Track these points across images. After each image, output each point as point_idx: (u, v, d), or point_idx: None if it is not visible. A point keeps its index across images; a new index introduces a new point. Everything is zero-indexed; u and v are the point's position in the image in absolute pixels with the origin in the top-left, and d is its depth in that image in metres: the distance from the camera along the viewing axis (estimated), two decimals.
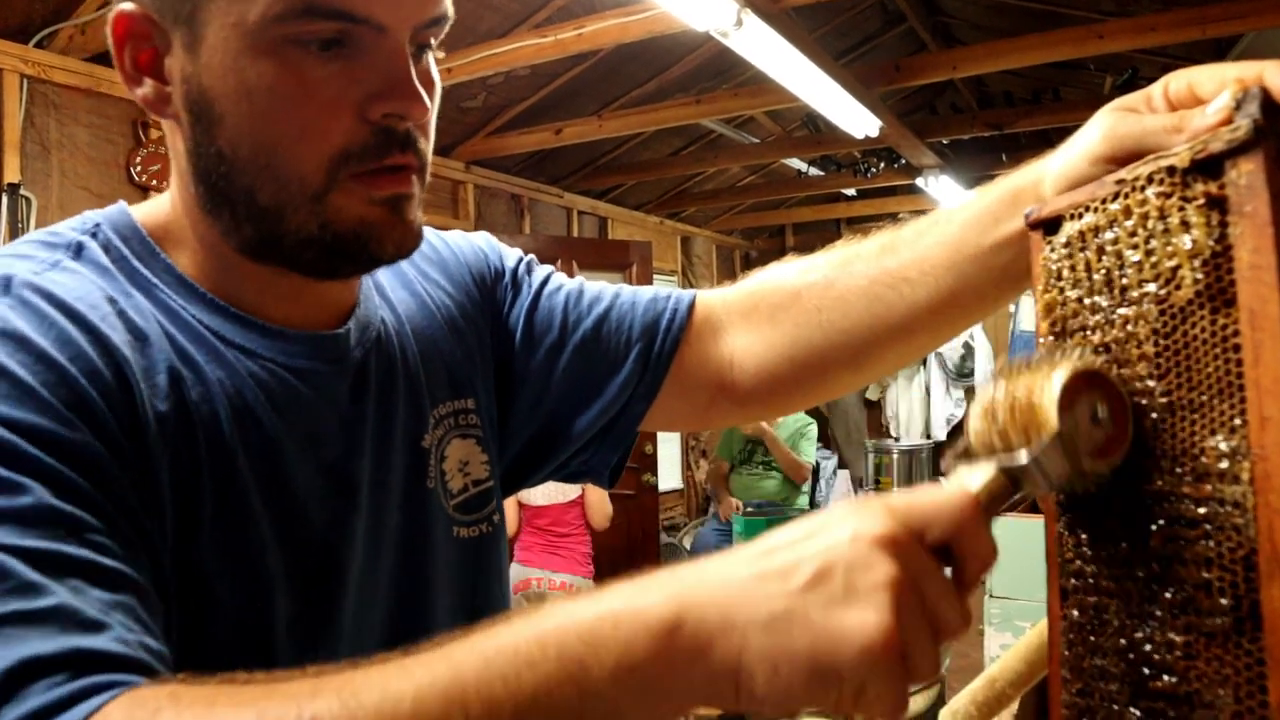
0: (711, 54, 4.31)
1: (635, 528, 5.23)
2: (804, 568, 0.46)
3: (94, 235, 0.68)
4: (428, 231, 0.91)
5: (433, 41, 0.69)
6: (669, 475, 6.38)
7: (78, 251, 0.66)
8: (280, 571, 0.67)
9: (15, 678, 0.44)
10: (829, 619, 0.45)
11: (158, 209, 0.72)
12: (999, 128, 4.94)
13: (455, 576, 0.82)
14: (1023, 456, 0.50)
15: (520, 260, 0.95)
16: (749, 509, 4.62)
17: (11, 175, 2.96)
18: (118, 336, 0.61)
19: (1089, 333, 0.56)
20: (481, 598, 0.84)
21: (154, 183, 3.36)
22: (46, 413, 0.54)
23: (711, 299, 0.93)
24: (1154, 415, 0.52)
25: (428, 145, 0.70)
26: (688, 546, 5.67)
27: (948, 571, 0.48)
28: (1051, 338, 0.59)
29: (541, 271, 0.95)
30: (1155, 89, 0.58)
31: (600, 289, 0.94)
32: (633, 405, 0.90)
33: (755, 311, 0.89)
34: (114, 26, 0.65)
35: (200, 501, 0.63)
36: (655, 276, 5.66)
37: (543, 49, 3.50)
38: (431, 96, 0.68)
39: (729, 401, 0.91)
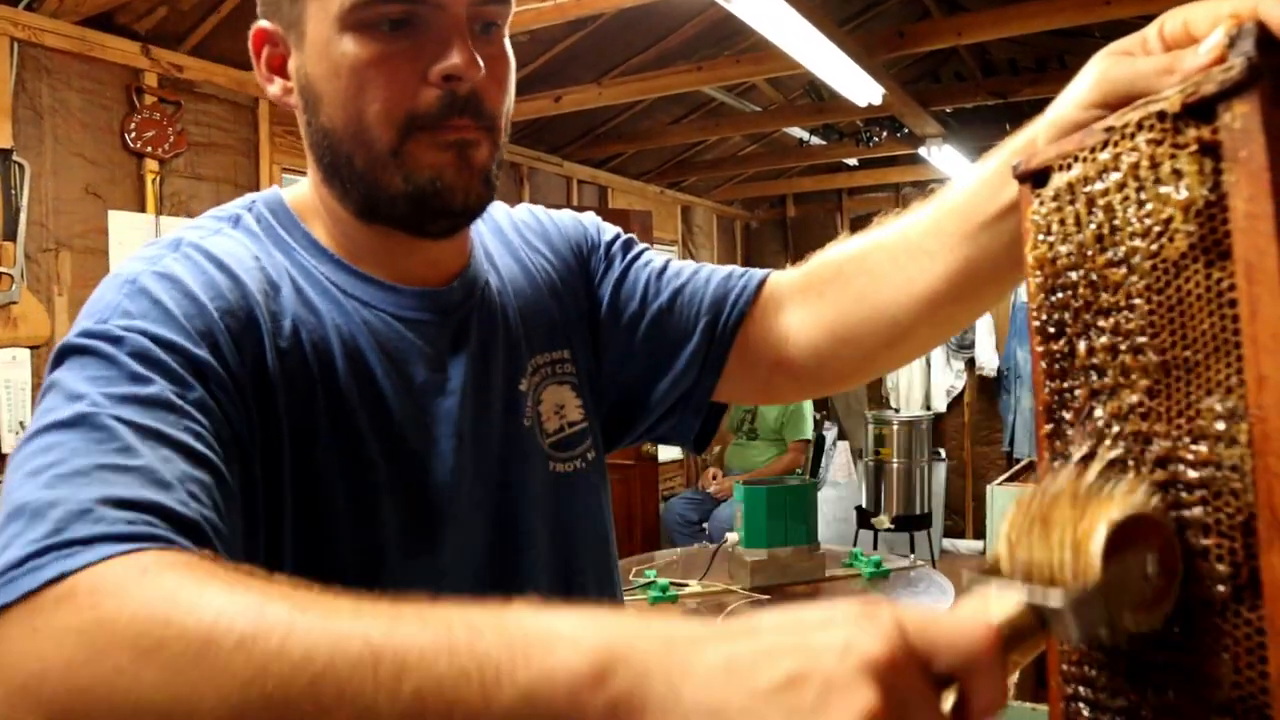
0: (713, 20, 4.26)
1: (635, 497, 5.26)
2: (778, 666, 0.40)
3: (249, 210, 0.84)
4: (535, 209, 1.06)
5: (499, 19, 0.79)
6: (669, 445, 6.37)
7: (235, 222, 0.83)
8: (385, 485, 0.78)
9: (99, 504, 0.54)
10: None
11: (301, 190, 0.87)
12: (1003, 96, 4.90)
13: (551, 507, 0.90)
14: (1057, 599, 0.44)
15: (617, 236, 1.04)
16: (731, 476, 4.65)
17: (4, 141, 2.93)
18: (255, 286, 0.76)
19: (1079, 289, 0.54)
20: (578, 527, 0.93)
21: (149, 149, 3.33)
22: (181, 333, 0.68)
23: (779, 277, 0.98)
24: (1149, 378, 0.50)
25: (496, 109, 0.79)
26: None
27: (949, 704, 0.42)
28: (1042, 295, 0.57)
29: (636, 246, 1.04)
30: (1150, 30, 0.56)
31: (682, 266, 1.01)
32: (704, 378, 0.97)
33: (809, 288, 0.94)
34: (253, 41, 0.82)
35: (315, 422, 0.76)
36: (655, 246, 5.63)
37: (542, 13, 3.45)
38: (499, 69, 0.79)
39: (785, 377, 0.97)
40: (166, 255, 0.75)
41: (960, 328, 0.94)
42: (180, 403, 0.64)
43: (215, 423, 0.66)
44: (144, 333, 0.67)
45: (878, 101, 4.26)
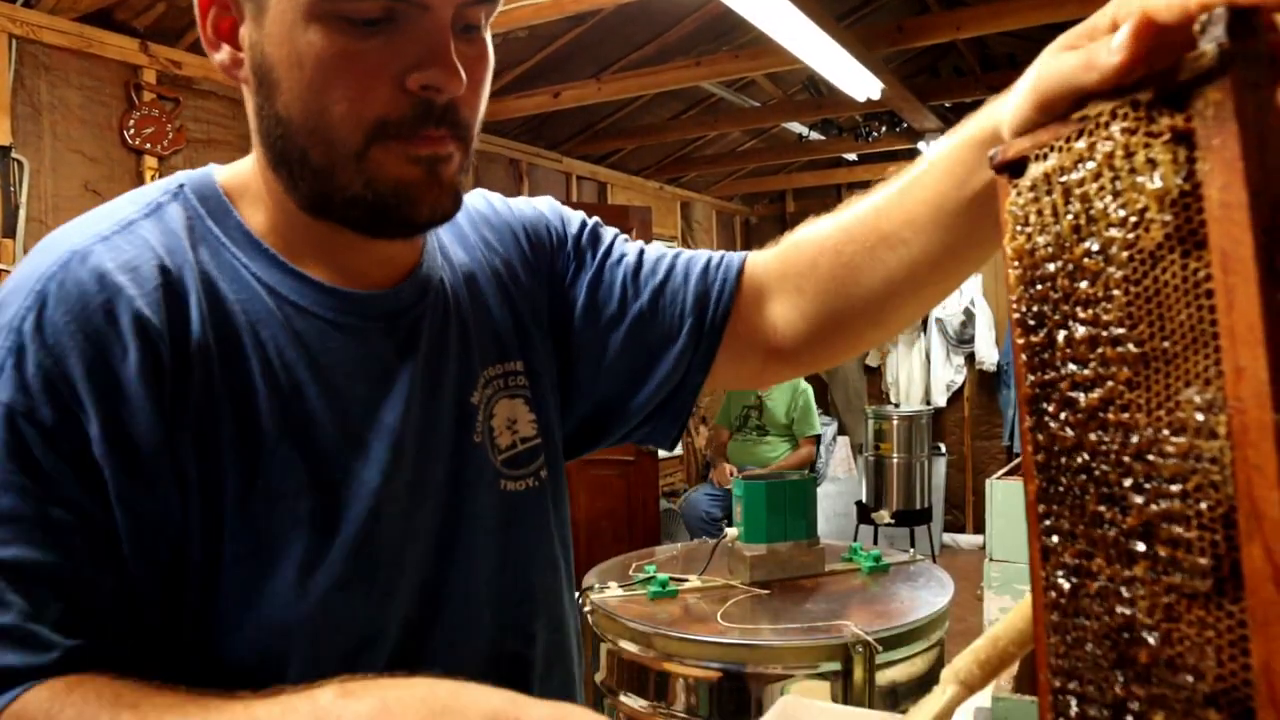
0: (712, 15, 4.25)
1: (635, 493, 5.25)
2: None
3: (175, 196, 0.76)
4: (488, 194, 0.98)
5: (483, 20, 0.72)
6: None
7: (155, 210, 0.74)
8: (312, 517, 0.71)
9: None
10: None
11: (241, 169, 0.79)
12: (1002, 90, 4.88)
13: (500, 527, 0.85)
14: None
15: (585, 227, 0.98)
16: (746, 472, 4.63)
17: (3, 138, 2.93)
18: (155, 313, 0.68)
19: (1058, 280, 0.54)
20: (528, 548, 0.88)
21: (148, 145, 3.33)
22: (40, 401, 0.63)
23: (756, 264, 0.95)
24: (1129, 369, 0.50)
25: (472, 117, 0.73)
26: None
27: None
28: (1022, 287, 0.57)
29: (606, 238, 0.98)
30: (1101, 17, 0.53)
31: (658, 258, 0.96)
32: (690, 378, 0.94)
33: (785, 279, 0.93)
34: None
35: (223, 466, 0.69)
36: (655, 242, 5.62)
37: (541, 9, 3.45)
38: (478, 73, 0.72)
39: (780, 362, 0.95)
40: (50, 292, 0.66)
41: (947, 294, 0.93)
42: (29, 511, 0.62)
43: (84, 521, 0.64)
44: (8, 412, 0.63)
45: (877, 96, 4.26)
